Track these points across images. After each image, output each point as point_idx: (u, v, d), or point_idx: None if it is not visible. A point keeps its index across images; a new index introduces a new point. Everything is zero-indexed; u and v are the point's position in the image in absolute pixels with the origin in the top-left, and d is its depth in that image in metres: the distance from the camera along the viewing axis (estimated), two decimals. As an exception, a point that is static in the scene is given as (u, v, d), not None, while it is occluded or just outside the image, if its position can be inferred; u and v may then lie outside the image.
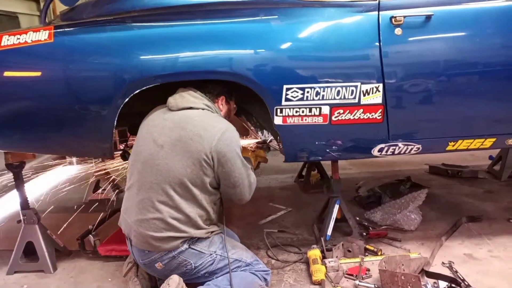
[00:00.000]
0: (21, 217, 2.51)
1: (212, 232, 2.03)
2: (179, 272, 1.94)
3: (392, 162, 4.52)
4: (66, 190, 3.66)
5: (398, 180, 3.60)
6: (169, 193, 1.90)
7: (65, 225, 2.82)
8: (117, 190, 3.84)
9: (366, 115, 2.15)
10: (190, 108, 2.00)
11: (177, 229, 1.91)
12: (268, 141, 2.53)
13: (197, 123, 1.93)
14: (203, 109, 2.02)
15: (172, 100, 2.03)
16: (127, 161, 2.35)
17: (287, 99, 2.08)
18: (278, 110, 2.11)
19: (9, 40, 2.09)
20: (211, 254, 1.98)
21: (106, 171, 3.47)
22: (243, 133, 2.66)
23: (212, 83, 2.11)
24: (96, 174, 3.74)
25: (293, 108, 2.10)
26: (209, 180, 1.94)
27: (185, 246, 1.94)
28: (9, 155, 2.45)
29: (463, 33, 2.18)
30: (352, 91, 2.09)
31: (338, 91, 2.09)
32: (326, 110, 2.11)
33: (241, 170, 1.97)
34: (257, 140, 2.41)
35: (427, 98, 2.18)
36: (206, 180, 1.92)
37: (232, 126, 2.01)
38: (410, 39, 2.14)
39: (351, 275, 2.24)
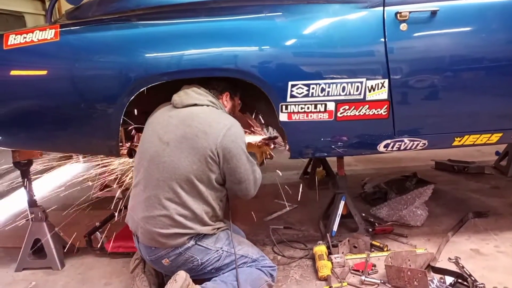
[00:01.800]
0: (29, 215, 2.53)
1: (218, 228, 2.04)
2: (185, 268, 1.95)
3: (398, 158, 4.50)
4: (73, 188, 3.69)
5: (404, 176, 3.59)
6: (175, 190, 1.91)
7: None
8: (123, 187, 3.87)
9: (372, 111, 2.14)
10: (195, 105, 2.00)
11: (184, 226, 1.92)
12: (274, 137, 2.53)
13: (202, 120, 1.94)
14: (207, 105, 2.02)
15: (177, 98, 2.03)
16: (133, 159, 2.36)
17: (292, 96, 2.09)
18: (283, 107, 2.11)
19: (16, 40, 2.10)
20: (217, 250, 1.99)
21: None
22: (248, 129, 2.66)
23: (216, 80, 2.12)
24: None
25: (298, 105, 2.10)
26: (215, 177, 1.94)
27: (192, 242, 1.95)
28: (16, 153, 2.47)
29: (468, 28, 2.17)
30: (358, 87, 2.09)
31: (344, 87, 2.09)
32: (331, 106, 2.11)
33: (247, 166, 1.98)
34: (263, 137, 2.41)
35: (433, 94, 2.17)
36: (212, 176, 1.93)
37: (237, 122, 2.01)
38: (416, 34, 2.13)
39: (357, 270, 2.24)
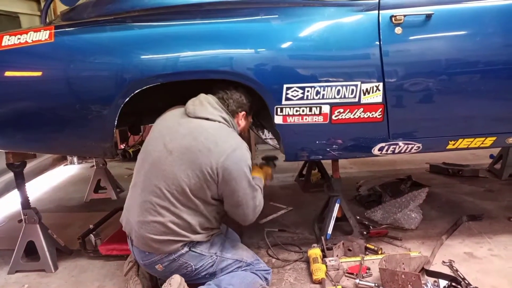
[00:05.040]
0: (22, 217, 2.51)
1: (212, 234, 2.03)
2: (179, 274, 1.93)
3: (393, 161, 4.52)
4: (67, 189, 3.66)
5: (398, 179, 3.60)
6: (170, 199, 1.89)
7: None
8: (117, 190, 3.86)
9: (367, 114, 2.15)
10: (207, 119, 1.96)
11: (177, 233, 1.90)
12: (275, 157, 2.50)
13: (210, 136, 1.90)
14: (219, 121, 1.98)
15: (191, 106, 1.99)
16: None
17: (287, 98, 2.09)
18: (279, 110, 2.11)
19: (10, 40, 2.10)
20: (211, 256, 1.98)
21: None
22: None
23: (238, 95, 2.05)
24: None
25: (294, 107, 2.10)
26: (211, 194, 1.92)
27: (186, 249, 1.94)
28: (10, 155, 2.45)
29: (463, 32, 2.17)
30: (352, 90, 2.10)
31: (338, 90, 2.09)
32: (326, 109, 2.12)
33: (246, 191, 1.93)
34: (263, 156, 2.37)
35: (427, 97, 2.18)
36: (208, 193, 1.91)
37: (244, 144, 1.97)
38: (410, 38, 2.13)
39: (352, 274, 2.24)
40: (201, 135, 1.90)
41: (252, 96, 2.13)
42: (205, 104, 1.99)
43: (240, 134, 2.09)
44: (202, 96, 2.04)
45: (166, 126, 2.02)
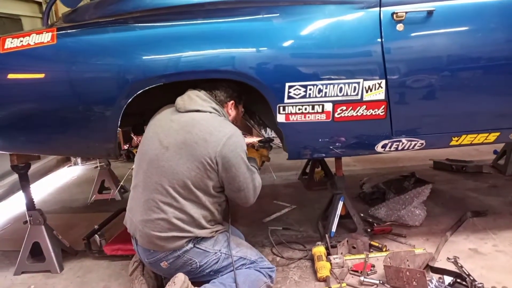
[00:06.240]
0: (27, 218, 2.52)
1: (216, 231, 2.04)
2: (184, 271, 1.95)
3: (396, 158, 4.51)
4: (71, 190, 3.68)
5: (402, 176, 3.60)
6: (172, 194, 1.90)
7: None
8: (122, 190, 3.87)
9: (369, 112, 2.14)
10: (198, 110, 1.99)
11: (182, 229, 1.92)
12: (270, 139, 2.52)
13: (203, 127, 1.92)
14: (210, 112, 2.01)
15: (180, 101, 2.02)
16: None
17: (289, 97, 2.09)
18: (281, 108, 2.11)
19: (12, 43, 2.10)
20: (215, 253, 1.99)
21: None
22: (244, 130, 2.66)
23: (224, 86, 2.10)
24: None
25: (296, 106, 2.10)
26: (213, 184, 1.94)
27: (190, 245, 1.95)
28: (14, 157, 2.46)
29: (465, 28, 2.17)
30: (355, 87, 2.09)
31: (341, 88, 2.09)
32: (329, 107, 2.11)
33: (246, 175, 1.97)
34: (259, 138, 2.41)
35: (430, 94, 2.17)
36: (209, 183, 1.93)
37: (238, 130, 2.00)
38: (412, 34, 2.13)
39: (356, 271, 2.24)
40: (195, 128, 1.92)
41: (254, 95, 2.13)
42: (193, 97, 2.02)
43: (234, 124, 2.11)
44: (189, 91, 2.07)
45: (159, 125, 2.04)
